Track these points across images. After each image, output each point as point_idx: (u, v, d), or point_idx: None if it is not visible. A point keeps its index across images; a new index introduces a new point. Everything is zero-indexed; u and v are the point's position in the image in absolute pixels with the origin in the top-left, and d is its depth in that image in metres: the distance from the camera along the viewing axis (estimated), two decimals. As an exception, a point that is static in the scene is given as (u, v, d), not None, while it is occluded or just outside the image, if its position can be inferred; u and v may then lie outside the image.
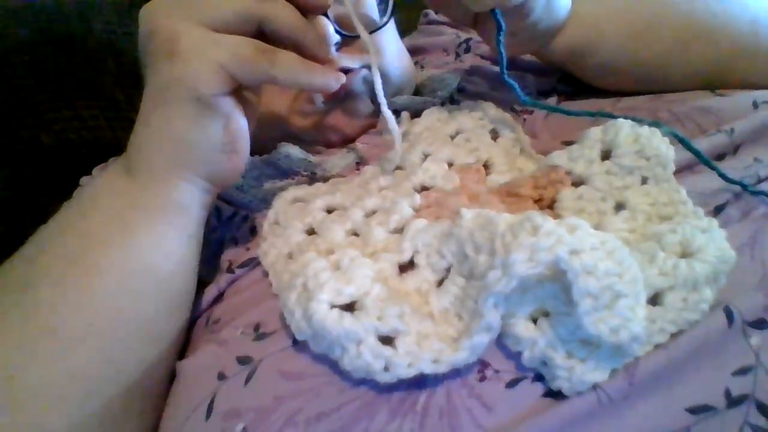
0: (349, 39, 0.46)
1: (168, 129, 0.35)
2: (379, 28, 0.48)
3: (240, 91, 0.37)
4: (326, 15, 0.40)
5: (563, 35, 0.45)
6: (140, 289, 0.36)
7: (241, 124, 0.36)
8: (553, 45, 0.46)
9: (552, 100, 0.47)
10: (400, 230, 0.36)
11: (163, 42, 0.34)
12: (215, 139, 0.35)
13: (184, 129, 0.35)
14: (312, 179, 0.47)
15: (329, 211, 0.41)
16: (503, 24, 0.40)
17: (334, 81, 0.37)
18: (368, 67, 0.50)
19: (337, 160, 0.48)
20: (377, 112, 0.52)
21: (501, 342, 0.31)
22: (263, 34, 0.36)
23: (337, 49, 0.41)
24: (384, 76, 0.51)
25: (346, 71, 0.47)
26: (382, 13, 0.50)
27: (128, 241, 0.36)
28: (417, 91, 0.59)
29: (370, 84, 0.51)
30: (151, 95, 0.36)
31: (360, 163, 0.47)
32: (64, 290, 0.35)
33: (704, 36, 0.45)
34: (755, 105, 0.41)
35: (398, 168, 0.43)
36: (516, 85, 0.41)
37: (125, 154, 0.38)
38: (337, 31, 0.43)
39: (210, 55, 0.33)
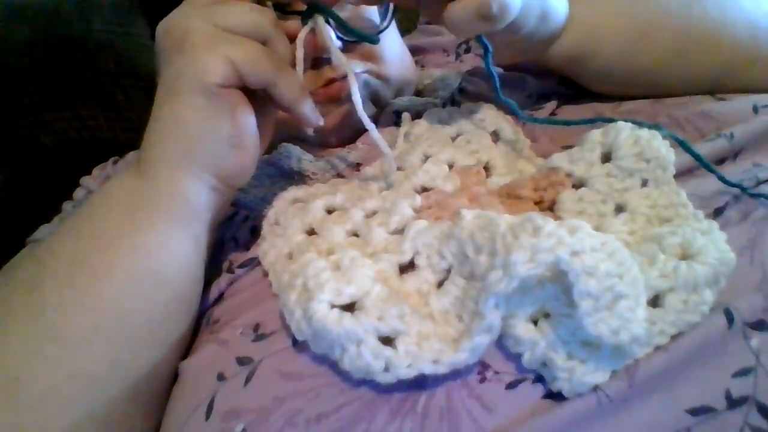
0: (351, 43, 0.46)
1: (176, 120, 0.35)
2: (380, 32, 0.48)
3: (250, 92, 0.37)
4: (328, 22, 0.40)
5: (561, 42, 0.45)
6: (147, 292, 0.36)
7: (248, 119, 0.36)
8: (551, 52, 0.46)
9: (552, 104, 0.47)
10: (400, 231, 0.36)
11: (176, 37, 0.35)
12: (222, 131, 0.35)
13: (192, 119, 0.35)
14: (312, 179, 0.47)
15: (329, 212, 0.41)
16: (490, 46, 0.40)
17: (316, 120, 0.39)
18: (370, 71, 0.50)
19: (338, 160, 0.48)
20: (379, 113, 0.52)
21: (501, 343, 0.31)
22: None
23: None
24: (385, 80, 0.52)
25: (346, 75, 0.47)
26: (383, 16, 0.50)
27: (135, 242, 0.36)
28: (418, 92, 0.60)
29: (370, 87, 0.51)
30: (162, 89, 0.36)
31: (360, 163, 0.48)
32: (71, 292, 0.35)
33: (702, 42, 0.45)
34: (755, 109, 0.41)
35: (398, 169, 0.43)
36: (513, 104, 0.41)
37: (137, 155, 0.38)
38: (338, 37, 0.43)
39: (219, 48, 0.34)
